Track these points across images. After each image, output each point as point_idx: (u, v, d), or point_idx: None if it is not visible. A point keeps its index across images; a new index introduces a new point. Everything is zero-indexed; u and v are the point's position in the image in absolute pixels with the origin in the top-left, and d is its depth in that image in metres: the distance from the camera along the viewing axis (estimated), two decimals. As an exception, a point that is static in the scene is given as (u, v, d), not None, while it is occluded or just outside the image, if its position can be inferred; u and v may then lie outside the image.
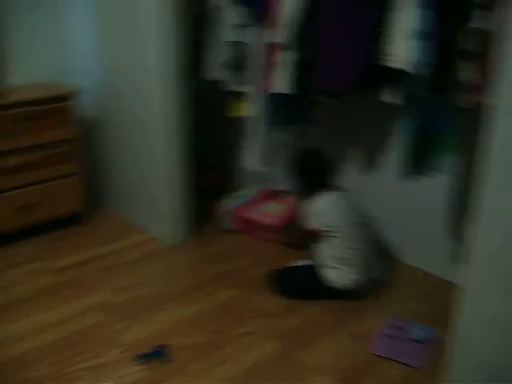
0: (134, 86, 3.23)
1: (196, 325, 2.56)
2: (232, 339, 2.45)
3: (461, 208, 2.80)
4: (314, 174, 2.85)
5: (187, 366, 2.26)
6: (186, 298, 2.79)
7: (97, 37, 3.42)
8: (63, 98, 3.25)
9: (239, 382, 2.19)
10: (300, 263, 2.90)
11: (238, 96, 3.09)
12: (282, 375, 2.24)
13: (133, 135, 3.38)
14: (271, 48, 2.76)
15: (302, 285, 2.82)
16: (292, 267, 2.92)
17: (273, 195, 3.57)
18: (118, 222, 3.63)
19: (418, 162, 2.48)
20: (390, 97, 2.48)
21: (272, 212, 3.41)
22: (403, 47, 2.28)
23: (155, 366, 2.25)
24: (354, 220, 2.74)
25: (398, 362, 2.31)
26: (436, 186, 2.81)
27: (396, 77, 2.41)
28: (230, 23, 2.91)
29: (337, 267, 2.66)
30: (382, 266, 2.96)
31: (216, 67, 3.05)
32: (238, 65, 2.97)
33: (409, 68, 2.29)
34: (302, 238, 2.94)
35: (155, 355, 2.29)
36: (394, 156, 2.88)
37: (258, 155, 3.16)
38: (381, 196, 3.09)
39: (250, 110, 3.07)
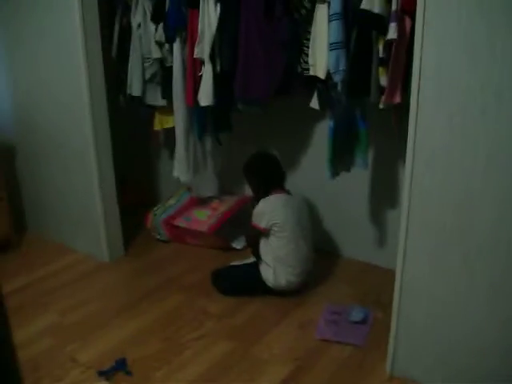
0: (49, 114, 3.24)
1: (149, 335, 2.63)
2: (186, 344, 2.55)
3: (378, 196, 3.08)
4: (265, 176, 2.94)
5: (150, 376, 2.33)
6: (132, 311, 2.84)
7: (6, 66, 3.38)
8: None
9: (202, 384, 2.31)
10: (238, 262, 3.06)
11: (162, 110, 3.19)
12: (240, 371, 2.36)
13: (52, 159, 3.40)
14: (193, 62, 2.87)
15: (241, 283, 2.97)
16: (231, 266, 3.07)
17: (200, 202, 3.66)
18: (48, 245, 3.61)
19: (342, 159, 2.70)
20: (313, 102, 2.69)
21: (201, 218, 3.53)
22: (321, 57, 2.50)
23: (119, 379, 2.30)
24: (298, 221, 2.86)
25: (345, 343, 2.52)
26: (357, 180, 3.06)
27: (315, 84, 2.63)
28: (151, 40, 2.98)
29: (275, 266, 2.82)
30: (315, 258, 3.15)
31: (139, 84, 3.11)
32: (161, 80, 3.06)
33: (326, 75, 2.51)
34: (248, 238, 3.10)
35: (116, 369, 2.34)
36: (319, 156, 3.03)
37: (185, 165, 3.25)
38: (310, 194, 3.28)
39: (173, 122, 3.17)
